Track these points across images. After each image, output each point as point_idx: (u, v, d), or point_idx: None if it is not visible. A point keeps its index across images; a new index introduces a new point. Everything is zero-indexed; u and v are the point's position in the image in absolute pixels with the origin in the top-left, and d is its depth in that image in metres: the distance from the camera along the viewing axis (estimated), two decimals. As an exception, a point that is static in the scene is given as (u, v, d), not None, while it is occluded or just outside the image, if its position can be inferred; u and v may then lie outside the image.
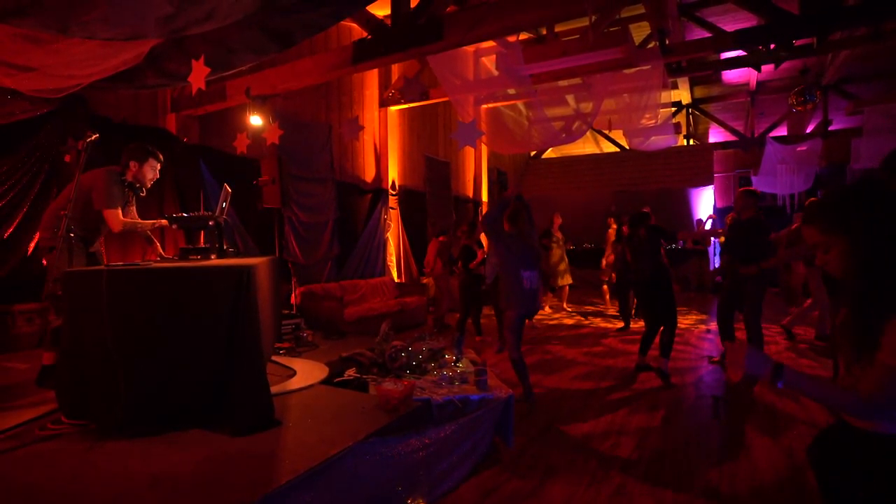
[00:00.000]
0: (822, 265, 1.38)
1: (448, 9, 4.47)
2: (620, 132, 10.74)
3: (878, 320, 1.21)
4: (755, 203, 4.86)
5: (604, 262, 9.21)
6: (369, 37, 4.77)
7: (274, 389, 2.75)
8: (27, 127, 4.45)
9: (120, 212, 3.35)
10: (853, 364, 1.31)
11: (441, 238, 7.49)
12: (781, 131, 13.36)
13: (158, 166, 3.57)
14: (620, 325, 7.57)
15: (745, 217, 4.89)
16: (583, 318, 8.46)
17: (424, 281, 8.60)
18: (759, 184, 11.88)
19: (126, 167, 3.43)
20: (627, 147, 12.74)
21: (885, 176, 2.54)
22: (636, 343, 5.77)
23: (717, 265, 11.99)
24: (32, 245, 4.43)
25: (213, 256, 3.24)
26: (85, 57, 3.30)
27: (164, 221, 3.56)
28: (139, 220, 3.53)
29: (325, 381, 3.24)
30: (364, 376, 3.26)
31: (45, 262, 3.34)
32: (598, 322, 8.09)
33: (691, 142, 15.14)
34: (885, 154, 2.79)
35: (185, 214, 3.44)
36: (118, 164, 3.45)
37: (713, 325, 7.36)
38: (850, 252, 1.29)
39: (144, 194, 3.59)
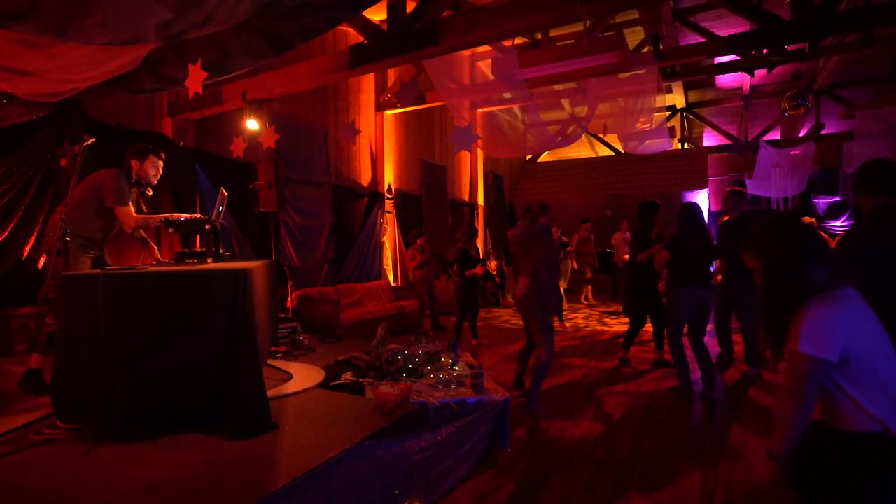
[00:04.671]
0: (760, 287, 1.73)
1: (444, 14, 4.49)
2: (615, 136, 10.80)
3: (784, 320, 1.58)
4: (742, 202, 4.92)
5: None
6: (366, 41, 4.79)
7: (270, 393, 2.75)
8: (23, 131, 4.44)
9: (132, 208, 3.40)
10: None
11: (419, 242, 7.55)
12: (775, 135, 13.46)
13: (160, 163, 3.62)
14: (622, 329, 7.56)
15: (731, 218, 4.94)
16: (580, 321, 8.48)
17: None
18: (753, 187, 11.95)
19: (129, 167, 3.48)
20: (622, 151, 12.82)
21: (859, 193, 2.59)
22: (633, 346, 5.79)
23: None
24: (28, 249, 4.42)
25: (209, 260, 3.24)
26: (82, 61, 3.30)
27: (175, 214, 3.58)
28: (149, 216, 3.55)
29: (322, 385, 3.24)
30: (360, 380, 3.27)
31: (41, 263, 3.35)
32: (595, 325, 8.11)
33: (686, 146, 15.23)
34: (877, 158, 2.82)
35: (181, 218, 3.43)
36: (121, 167, 3.49)
37: (708, 327, 7.38)
38: (763, 270, 1.69)
39: (151, 193, 3.63)
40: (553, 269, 3.98)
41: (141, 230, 3.67)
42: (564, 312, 9.26)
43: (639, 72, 7.24)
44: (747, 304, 4.82)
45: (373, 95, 8.85)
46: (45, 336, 3.26)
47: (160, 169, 3.63)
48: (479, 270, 6.23)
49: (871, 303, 1.56)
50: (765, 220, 1.73)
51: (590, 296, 10.26)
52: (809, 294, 1.53)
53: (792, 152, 11.89)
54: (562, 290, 9.04)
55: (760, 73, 10.64)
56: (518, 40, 8.61)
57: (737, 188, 5.15)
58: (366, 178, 8.80)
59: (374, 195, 8.75)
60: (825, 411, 1.56)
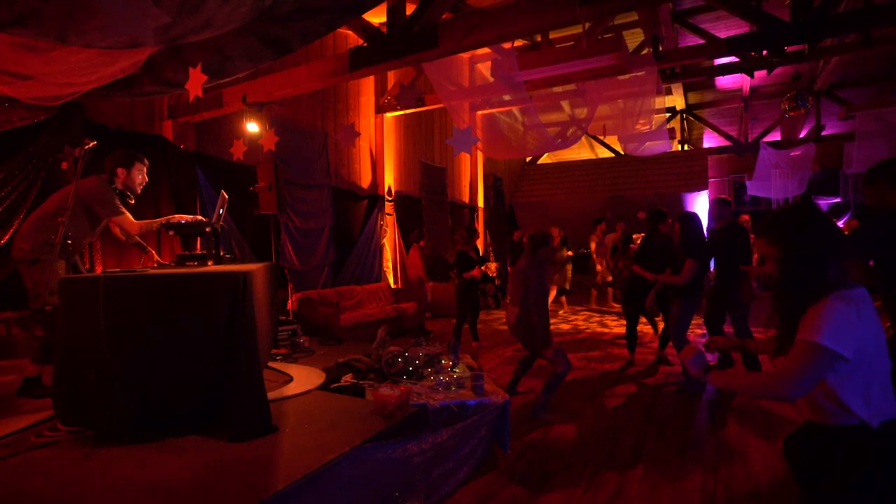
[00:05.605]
0: (772, 272, 1.69)
1: (443, 16, 4.51)
2: (615, 137, 10.81)
3: (796, 312, 1.55)
4: (729, 212, 4.95)
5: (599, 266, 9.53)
6: (365, 44, 4.80)
7: (271, 395, 2.76)
8: (24, 134, 4.46)
9: (129, 214, 3.31)
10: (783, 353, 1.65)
11: (421, 243, 7.55)
12: (775, 136, 13.47)
13: (145, 169, 3.50)
14: (622, 331, 7.54)
15: (720, 226, 4.97)
16: (580, 323, 8.48)
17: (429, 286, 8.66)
18: (753, 188, 11.98)
19: (114, 175, 3.35)
20: (622, 152, 12.83)
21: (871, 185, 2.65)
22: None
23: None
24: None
25: (209, 263, 3.24)
26: (82, 65, 3.31)
27: (175, 216, 3.52)
28: (151, 221, 3.47)
29: (322, 387, 3.24)
30: (361, 382, 3.27)
31: (25, 274, 3.17)
32: (595, 327, 8.11)
33: (686, 147, 15.24)
34: (877, 159, 2.89)
35: (182, 220, 3.43)
36: (105, 174, 3.37)
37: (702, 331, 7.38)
38: (780, 260, 1.62)
39: (133, 201, 3.51)
40: (541, 296, 3.91)
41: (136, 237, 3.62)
42: (564, 314, 9.27)
43: (638, 73, 7.26)
44: (738, 309, 4.83)
45: (372, 98, 8.87)
46: (38, 346, 3.23)
47: (146, 175, 3.51)
48: (476, 273, 6.23)
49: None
50: (790, 205, 1.70)
51: (594, 299, 10.16)
52: (826, 288, 1.51)
53: (792, 153, 11.91)
54: (554, 293, 9.02)
55: (760, 74, 10.65)
56: (517, 42, 8.62)
57: (723, 196, 5.21)
58: (366, 181, 8.81)
59: (374, 197, 8.77)
60: (812, 407, 1.59)
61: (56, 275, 2.92)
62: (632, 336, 5.57)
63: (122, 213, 3.28)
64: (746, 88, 12.70)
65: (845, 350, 1.43)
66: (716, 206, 5.01)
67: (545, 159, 16.08)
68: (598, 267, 9.72)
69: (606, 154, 15.39)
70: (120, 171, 3.36)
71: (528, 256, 3.99)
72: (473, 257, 6.38)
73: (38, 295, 3.07)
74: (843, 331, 1.44)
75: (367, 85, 8.76)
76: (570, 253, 9.23)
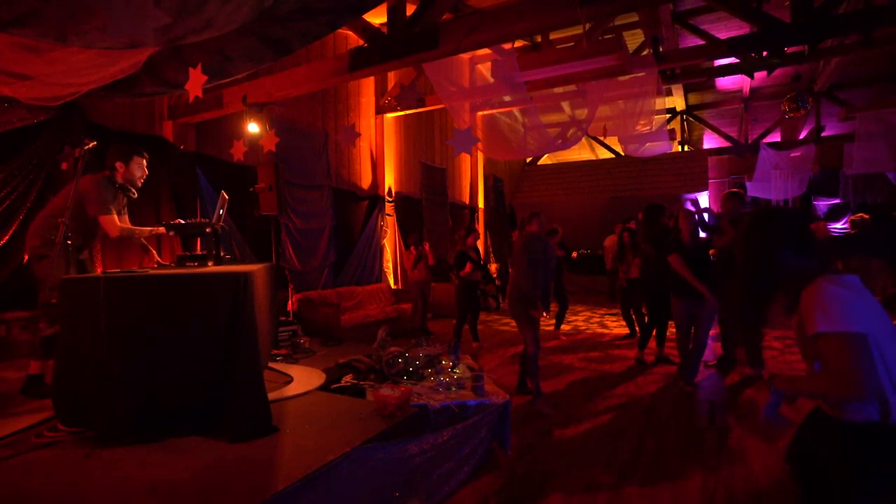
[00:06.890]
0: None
1: (443, 17, 4.51)
2: (615, 138, 10.81)
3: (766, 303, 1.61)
4: (739, 206, 4.91)
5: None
6: (365, 45, 4.81)
7: (271, 396, 2.76)
8: (24, 135, 4.46)
9: (115, 217, 3.34)
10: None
11: (412, 249, 7.52)
12: (775, 137, 13.47)
13: (144, 162, 3.55)
14: (622, 332, 7.54)
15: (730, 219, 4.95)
16: (581, 324, 8.47)
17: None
18: (753, 189, 11.96)
19: (114, 170, 3.41)
20: (622, 153, 12.83)
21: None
22: (633, 348, 5.82)
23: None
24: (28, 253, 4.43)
25: (210, 263, 3.24)
26: (83, 65, 3.31)
27: (161, 229, 3.56)
28: (136, 228, 3.52)
29: (323, 388, 3.24)
30: (361, 382, 3.27)
31: (35, 270, 3.29)
32: (595, 328, 8.11)
33: (686, 148, 15.24)
34: (877, 160, 2.87)
35: (181, 221, 3.43)
36: (106, 171, 3.43)
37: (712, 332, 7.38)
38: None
39: (136, 195, 3.55)
40: (545, 270, 4.13)
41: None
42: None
43: (638, 74, 7.26)
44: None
45: (373, 98, 8.87)
46: (40, 341, 3.26)
47: (145, 169, 3.56)
48: (469, 268, 6.22)
49: None
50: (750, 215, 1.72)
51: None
52: (811, 274, 1.48)
53: (792, 154, 11.91)
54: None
55: (760, 75, 10.65)
56: (518, 43, 8.63)
57: (735, 190, 5.15)
58: (366, 182, 8.81)
59: (375, 198, 8.77)
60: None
61: (59, 272, 2.95)
62: (650, 334, 5.66)
63: (109, 213, 3.31)
64: (746, 89, 12.70)
65: (863, 327, 1.36)
66: (727, 200, 4.97)
67: (545, 160, 16.08)
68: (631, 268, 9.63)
69: (607, 155, 15.39)
70: (119, 165, 3.43)
71: (521, 234, 4.38)
72: (473, 258, 6.38)
73: (51, 289, 3.13)
74: (847, 310, 1.38)
75: (368, 86, 8.77)
76: (560, 253, 9.16)
